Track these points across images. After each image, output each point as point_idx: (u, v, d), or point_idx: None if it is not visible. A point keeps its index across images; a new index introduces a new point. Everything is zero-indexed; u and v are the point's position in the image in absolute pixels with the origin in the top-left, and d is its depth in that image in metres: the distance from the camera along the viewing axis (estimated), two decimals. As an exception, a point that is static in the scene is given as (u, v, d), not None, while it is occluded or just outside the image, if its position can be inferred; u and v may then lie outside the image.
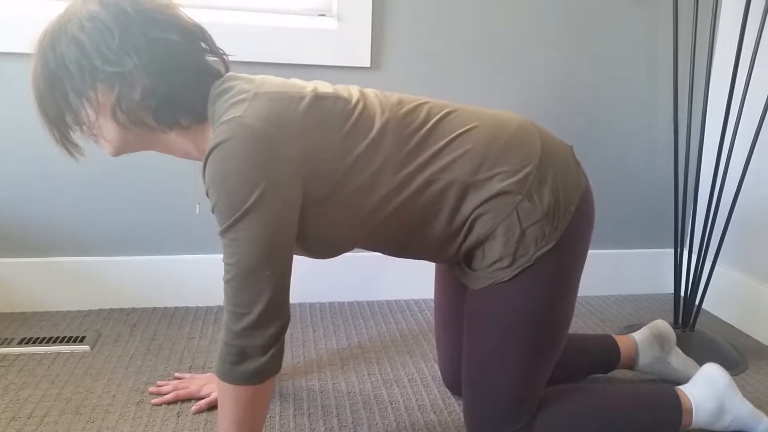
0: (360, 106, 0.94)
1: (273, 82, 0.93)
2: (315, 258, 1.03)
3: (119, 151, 0.98)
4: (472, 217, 0.96)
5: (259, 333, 0.87)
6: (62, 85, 0.88)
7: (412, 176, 0.94)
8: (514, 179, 0.95)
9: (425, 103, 1.00)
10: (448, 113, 0.99)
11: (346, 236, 0.97)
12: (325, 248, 0.99)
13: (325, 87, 0.95)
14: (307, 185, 0.89)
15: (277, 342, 0.89)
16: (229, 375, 0.89)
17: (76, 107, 0.91)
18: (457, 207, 0.96)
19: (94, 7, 0.86)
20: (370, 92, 0.99)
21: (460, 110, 1.01)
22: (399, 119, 0.95)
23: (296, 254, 1.02)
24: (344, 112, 0.92)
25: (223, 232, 0.85)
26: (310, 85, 0.94)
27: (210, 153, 0.85)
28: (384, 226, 0.97)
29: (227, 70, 0.98)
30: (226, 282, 0.87)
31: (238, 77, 0.94)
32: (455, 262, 1.07)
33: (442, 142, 0.96)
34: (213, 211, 0.86)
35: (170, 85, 0.89)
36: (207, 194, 0.86)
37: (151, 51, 0.87)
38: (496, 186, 0.95)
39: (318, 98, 0.91)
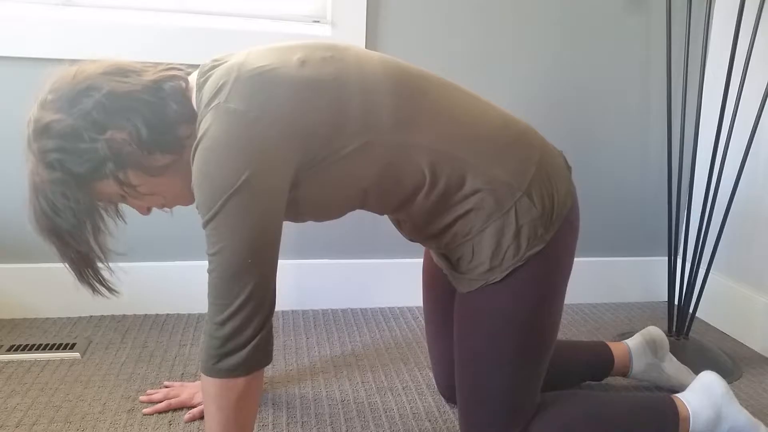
0: (355, 68, 0.90)
1: (256, 55, 0.88)
2: (312, 221, 1.01)
3: (182, 200, 0.99)
4: (468, 203, 0.95)
5: (240, 324, 0.85)
6: (68, 223, 0.87)
7: (408, 142, 0.91)
8: (516, 173, 0.95)
9: (434, 76, 0.98)
10: (457, 92, 0.98)
11: (341, 198, 0.95)
12: (319, 211, 0.97)
13: (314, 50, 0.91)
14: (301, 154, 0.86)
15: (259, 332, 0.86)
16: (212, 368, 0.87)
17: (100, 226, 0.91)
18: (455, 186, 0.94)
19: (39, 143, 0.85)
20: (370, 54, 0.95)
21: (470, 94, 1.00)
22: (402, 84, 0.92)
23: (293, 221, 1.00)
24: (334, 74, 0.88)
25: (206, 223, 0.83)
26: (297, 53, 0.89)
27: (196, 145, 0.83)
28: (376, 190, 0.94)
29: (180, 69, 0.94)
30: (209, 273, 0.86)
31: (219, 62, 0.90)
32: (440, 255, 1.06)
33: (446, 116, 0.94)
34: (197, 207, 0.84)
35: (142, 117, 0.87)
36: (193, 188, 0.84)
37: (103, 114, 0.84)
38: (499, 176, 0.94)
39: (303, 64, 0.87)
